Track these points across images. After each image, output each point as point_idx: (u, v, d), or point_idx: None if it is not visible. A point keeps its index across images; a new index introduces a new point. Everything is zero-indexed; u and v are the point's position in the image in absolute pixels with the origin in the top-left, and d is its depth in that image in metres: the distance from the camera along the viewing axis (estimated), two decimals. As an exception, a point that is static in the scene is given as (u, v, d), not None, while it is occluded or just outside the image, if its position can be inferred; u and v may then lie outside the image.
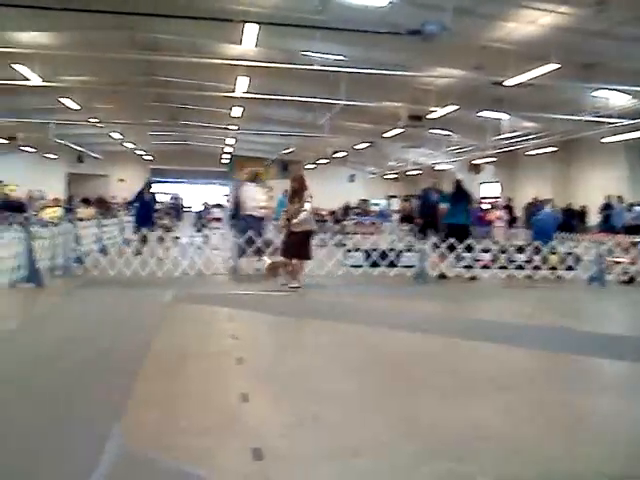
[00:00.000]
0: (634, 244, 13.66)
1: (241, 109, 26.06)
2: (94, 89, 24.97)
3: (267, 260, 11.25)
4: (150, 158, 46.31)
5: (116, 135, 36.50)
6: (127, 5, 13.92)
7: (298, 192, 11.10)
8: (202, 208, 29.53)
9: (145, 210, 15.51)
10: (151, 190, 16.09)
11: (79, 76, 22.67)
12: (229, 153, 44.65)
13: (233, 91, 20.80)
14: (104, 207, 28.92)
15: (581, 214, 25.63)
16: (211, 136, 39.09)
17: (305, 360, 6.25)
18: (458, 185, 13.76)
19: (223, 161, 46.61)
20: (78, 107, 24.27)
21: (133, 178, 43.92)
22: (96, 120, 30.02)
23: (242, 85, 19.91)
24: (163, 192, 33.79)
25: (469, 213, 14.00)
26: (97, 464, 3.56)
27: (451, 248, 12.78)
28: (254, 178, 13.48)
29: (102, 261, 12.44)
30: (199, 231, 15.38)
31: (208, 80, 22.73)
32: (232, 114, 26.92)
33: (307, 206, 10.91)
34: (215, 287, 11.26)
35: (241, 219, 13.43)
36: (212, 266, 12.59)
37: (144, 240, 13.34)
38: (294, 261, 11.08)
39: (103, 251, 13.47)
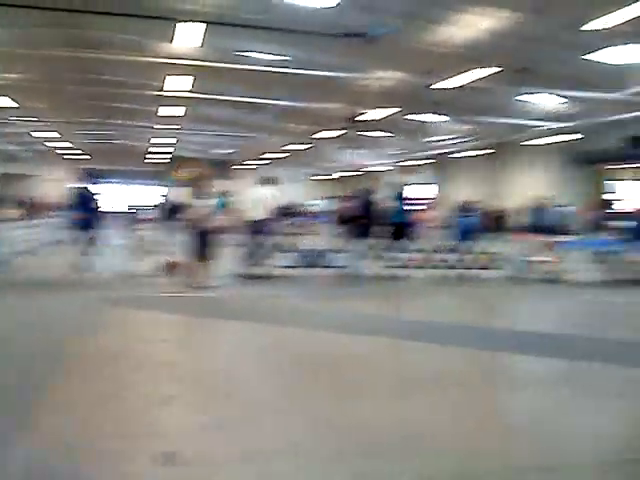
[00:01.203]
0: (556, 244, 14.13)
1: (180, 108, 25.70)
2: (28, 87, 24.25)
3: (167, 259, 11.21)
4: (83, 158, 45.29)
5: (49, 134, 35.56)
6: (64, 2, 13.58)
7: (202, 190, 11.13)
8: (133, 208, 29.21)
9: (86, 210, 13.76)
10: (91, 188, 14.99)
11: (13, 74, 22.01)
12: (167, 153, 44.09)
13: (172, 90, 20.52)
14: (35, 208, 28.15)
15: (501, 217, 26.11)
16: (148, 136, 38.51)
17: (231, 363, 6.26)
18: (398, 186, 14.32)
19: (160, 161, 46.01)
20: (11, 105, 23.57)
21: (66, 178, 42.96)
22: (28, 119, 29.21)
23: (184, 84, 19.66)
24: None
25: (409, 213, 14.52)
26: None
27: (390, 248, 13.05)
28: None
29: (29, 263, 12.13)
30: (130, 232, 15.09)
31: (146, 79, 22.32)
32: (170, 114, 26.56)
33: (210, 202, 10.96)
34: (143, 289, 11.11)
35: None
36: (143, 268, 12.44)
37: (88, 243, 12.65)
38: (205, 261, 11.12)
39: (30, 253, 13.12)
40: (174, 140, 38.74)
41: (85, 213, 14.09)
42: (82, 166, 44.21)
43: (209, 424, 4.43)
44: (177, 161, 46.21)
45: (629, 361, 6.51)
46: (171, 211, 21.01)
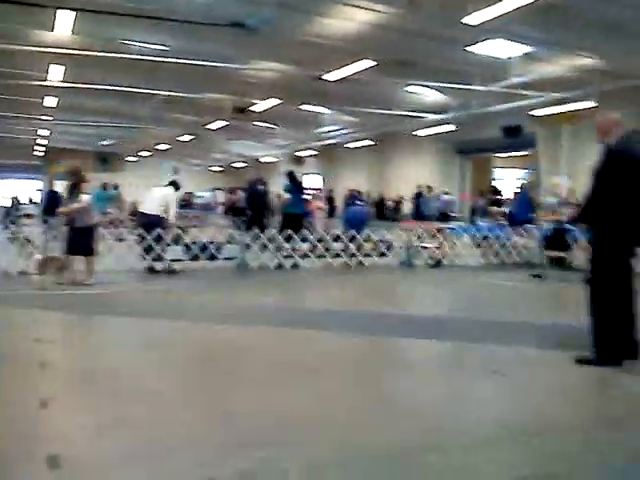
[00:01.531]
0: (440, 230, 14.60)
1: (56, 99, 24.65)
2: None
3: (37, 256, 10.70)
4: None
5: None
6: None
7: (76, 186, 10.74)
8: (10, 204, 27.69)
9: None
10: None
11: None
12: (44, 145, 42.12)
13: (47, 80, 19.60)
14: None
15: (388, 205, 26.75)
16: (22, 127, 36.61)
17: (117, 360, 5.99)
18: (293, 176, 14.28)
19: (36, 154, 43.90)
20: None
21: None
22: None
23: (57, 74, 18.83)
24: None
25: (304, 203, 14.64)
26: None
27: (288, 238, 13.07)
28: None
29: None
30: (7, 228, 14.23)
31: (19, 68, 21.21)
32: (46, 104, 25.41)
33: (84, 198, 10.60)
34: (22, 286, 10.45)
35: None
36: (22, 264, 11.74)
37: None
38: (85, 256, 10.64)
39: None
40: (51, 132, 37.09)
41: None
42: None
43: (95, 425, 4.20)
44: (55, 153, 44.30)
45: (512, 340, 6.75)
46: (50, 205, 20.01)
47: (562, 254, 13.06)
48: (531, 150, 22.27)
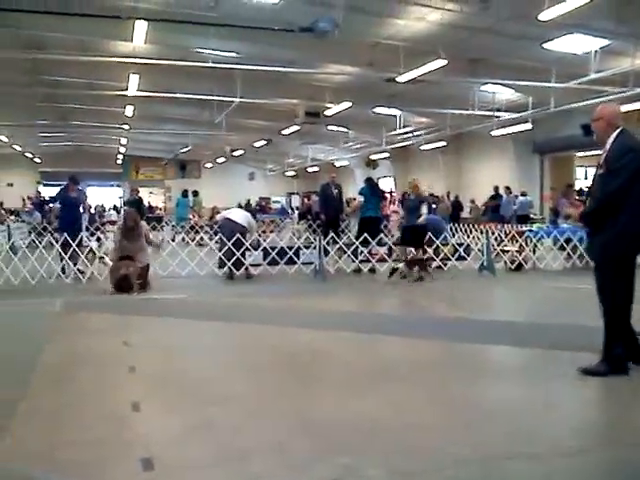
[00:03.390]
0: (521, 233, 14.24)
1: (135, 108, 25.44)
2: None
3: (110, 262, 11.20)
4: (39, 161, 44.40)
5: (2, 138, 34.72)
6: (10, 2, 13.23)
7: (134, 229, 11.10)
8: (95, 211, 28.72)
9: (70, 212, 13.34)
10: (79, 187, 14.03)
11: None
12: (123, 153, 43.46)
13: (126, 89, 20.25)
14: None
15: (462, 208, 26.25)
16: (105, 136, 37.91)
17: (200, 364, 6.14)
18: (371, 181, 14.43)
19: (118, 162, 45.36)
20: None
21: (22, 182, 42.30)
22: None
23: (133, 83, 19.45)
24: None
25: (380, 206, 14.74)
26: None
27: (365, 242, 13.19)
28: None
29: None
30: (93, 235, 14.73)
31: (99, 78, 22.03)
32: (125, 113, 26.25)
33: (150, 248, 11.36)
34: (107, 293, 10.84)
35: None
36: (103, 271, 12.16)
37: (67, 245, 12.21)
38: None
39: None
40: (129, 140, 38.21)
41: (74, 213, 13.46)
42: (38, 169, 43.45)
43: (184, 428, 4.31)
44: (135, 161, 45.69)
45: (596, 346, 6.48)
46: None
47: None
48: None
